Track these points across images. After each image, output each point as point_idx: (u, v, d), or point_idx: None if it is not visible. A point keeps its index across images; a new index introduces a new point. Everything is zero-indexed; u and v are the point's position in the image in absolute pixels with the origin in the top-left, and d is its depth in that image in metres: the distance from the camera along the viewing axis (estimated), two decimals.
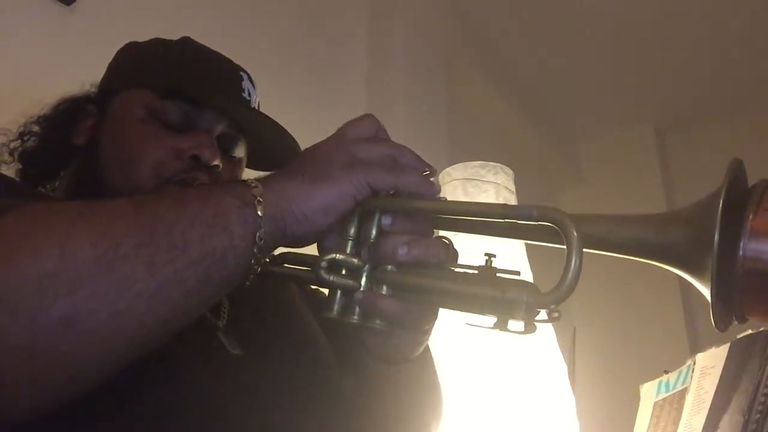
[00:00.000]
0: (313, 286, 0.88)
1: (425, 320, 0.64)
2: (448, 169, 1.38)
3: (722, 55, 2.73)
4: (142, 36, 0.87)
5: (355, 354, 0.71)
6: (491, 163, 1.34)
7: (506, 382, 1.13)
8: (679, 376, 0.99)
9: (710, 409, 0.87)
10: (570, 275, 0.48)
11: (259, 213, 0.54)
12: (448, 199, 1.37)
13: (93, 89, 0.87)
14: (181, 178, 0.74)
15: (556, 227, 0.50)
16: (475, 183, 1.31)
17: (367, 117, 0.64)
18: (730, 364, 0.88)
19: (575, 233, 0.49)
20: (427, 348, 0.73)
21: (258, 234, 0.54)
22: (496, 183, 1.32)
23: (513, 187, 1.35)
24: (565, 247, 0.49)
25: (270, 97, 0.89)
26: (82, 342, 0.47)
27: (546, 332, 1.21)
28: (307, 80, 1.83)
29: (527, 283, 0.54)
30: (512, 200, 1.34)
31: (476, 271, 0.57)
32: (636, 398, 1.09)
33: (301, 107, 1.67)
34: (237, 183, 0.57)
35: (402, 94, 2.02)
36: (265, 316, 0.75)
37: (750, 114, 2.94)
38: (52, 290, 0.46)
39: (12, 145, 0.86)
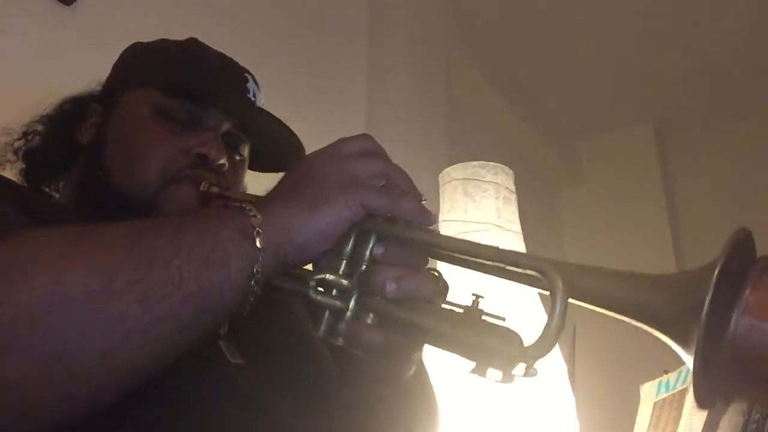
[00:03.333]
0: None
1: (411, 350, 0.64)
2: (447, 169, 1.38)
3: (722, 55, 2.73)
4: (142, 36, 0.87)
5: (353, 367, 0.71)
6: (491, 163, 1.34)
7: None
8: (679, 376, 0.99)
9: (710, 409, 0.87)
10: (552, 328, 0.47)
11: (258, 245, 0.53)
12: (448, 198, 1.37)
13: (98, 88, 0.86)
14: (186, 173, 0.74)
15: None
16: (475, 183, 1.31)
17: (362, 136, 0.64)
18: None
19: (561, 285, 0.48)
20: (421, 362, 0.72)
21: (255, 267, 0.53)
22: (496, 183, 1.32)
23: (513, 187, 1.35)
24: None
25: (270, 97, 0.90)
26: (74, 378, 0.46)
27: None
28: (307, 80, 1.83)
29: (510, 332, 0.53)
30: (512, 200, 1.33)
31: (462, 311, 0.56)
32: (636, 398, 1.09)
33: (301, 107, 1.66)
34: (236, 211, 0.56)
35: (402, 94, 2.02)
36: (267, 325, 0.74)
37: (750, 114, 2.94)
38: (44, 326, 0.45)
39: (16, 144, 0.86)
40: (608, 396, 2.09)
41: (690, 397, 0.93)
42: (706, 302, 0.41)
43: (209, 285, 0.51)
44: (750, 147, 2.82)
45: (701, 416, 0.88)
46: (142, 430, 0.57)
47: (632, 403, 1.09)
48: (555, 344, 0.48)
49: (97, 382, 0.48)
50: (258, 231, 0.54)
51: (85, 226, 0.53)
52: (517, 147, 2.81)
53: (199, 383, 0.62)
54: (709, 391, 0.44)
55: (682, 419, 0.93)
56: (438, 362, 0.81)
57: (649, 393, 1.06)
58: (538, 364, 0.50)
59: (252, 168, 0.87)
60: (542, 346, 0.48)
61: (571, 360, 1.33)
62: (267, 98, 0.90)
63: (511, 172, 1.35)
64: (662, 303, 0.49)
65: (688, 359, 0.45)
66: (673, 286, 0.49)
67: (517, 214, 1.33)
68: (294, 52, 1.82)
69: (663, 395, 1.02)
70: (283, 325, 0.78)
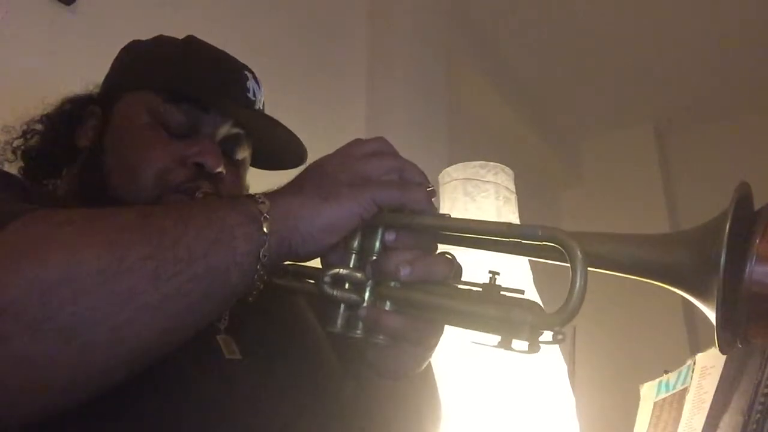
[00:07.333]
0: None
1: (430, 336, 0.64)
2: (448, 169, 1.37)
3: (722, 55, 2.73)
4: (142, 36, 0.87)
5: (356, 365, 0.71)
6: (491, 163, 1.34)
7: (506, 382, 1.13)
8: (679, 376, 0.99)
9: (710, 409, 0.87)
10: (575, 296, 0.48)
11: (265, 230, 0.54)
12: (448, 198, 1.37)
13: (96, 89, 0.86)
14: (185, 187, 0.74)
15: (559, 247, 0.50)
16: (475, 183, 1.31)
17: (375, 138, 0.65)
18: (730, 364, 0.88)
19: (579, 254, 0.49)
20: (429, 363, 0.72)
21: (262, 251, 0.54)
22: (496, 183, 1.32)
23: (513, 187, 1.35)
24: (568, 264, 0.49)
25: (270, 97, 0.89)
26: (83, 353, 0.47)
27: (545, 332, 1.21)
28: (307, 80, 1.83)
29: (532, 303, 0.54)
30: (512, 200, 1.33)
31: (480, 289, 0.57)
32: (636, 398, 1.09)
33: (301, 107, 1.66)
34: (244, 198, 0.57)
35: (402, 94, 2.02)
36: (268, 319, 0.75)
37: (750, 114, 2.94)
38: (56, 300, 0.46)
39: (15, 143, 0.86)
40: (608, 396, 2.09)
41: (690, 397, 0.93)
42: (723, 256, 0.45)
43: (216, 266, 0.52)
44: (750, 147, 2.82)
45: (701, 416, 0.88)
46: (138, 424, 0.57)
47: (632, 403, 1.09)
48: (580, 307, 0.49)
49: (108, 357, 0.49)
50: (265, 216, 0.55)
51: (95, 208, 0.54)
52: (517, 147, 2.80)
53: (195, 378, 0.62)
54: (730, 335, 0.47)
55: (682, 419, 0.93)
56: (439, 362, 0.81)
57: (649, 393, 1.06)
58: (565, 330, 0.51)
59: (253, 165, 0.87)
60: (568, 311, 0.49)
61: (571, 360, 1.33)
62: (266, 98, 0.90)
63: (511, 172, 1.35)
64: (678, 260, 0.51)
65: (707, 309, 0.48)
66: (686, 243, 0.51)
67: (517, 214, 1.33)
68: (294, 51, 1.82)
69: (663, 395, 1.02)
70: (285, 320, 0.78)
